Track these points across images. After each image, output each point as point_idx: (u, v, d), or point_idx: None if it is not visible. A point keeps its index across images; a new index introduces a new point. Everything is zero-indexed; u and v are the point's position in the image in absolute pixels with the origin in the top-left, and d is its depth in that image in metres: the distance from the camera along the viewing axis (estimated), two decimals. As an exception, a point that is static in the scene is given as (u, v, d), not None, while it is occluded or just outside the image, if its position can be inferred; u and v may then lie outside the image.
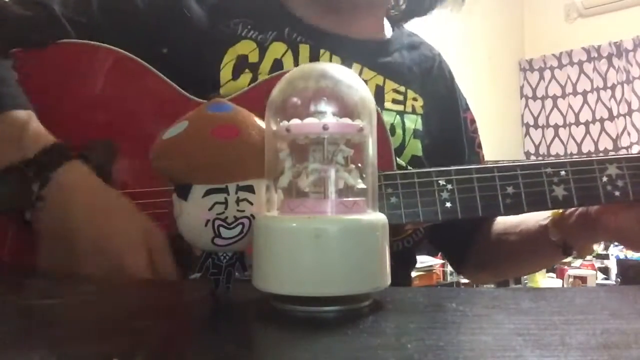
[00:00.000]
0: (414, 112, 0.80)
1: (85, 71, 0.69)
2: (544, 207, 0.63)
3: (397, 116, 0.78)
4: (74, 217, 0.55)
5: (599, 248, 3.65)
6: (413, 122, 0.79)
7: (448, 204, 0.61)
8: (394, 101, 0.79)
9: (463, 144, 0.87)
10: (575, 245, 0.72)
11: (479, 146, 0.90)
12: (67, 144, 0.58)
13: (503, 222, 0.84)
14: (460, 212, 0.61)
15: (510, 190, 0.62)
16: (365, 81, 0.77)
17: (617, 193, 0.62)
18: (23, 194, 0.54)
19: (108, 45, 0.68)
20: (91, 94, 0.68)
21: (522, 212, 0.62)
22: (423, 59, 0.88)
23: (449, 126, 0.86)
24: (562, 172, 0.62)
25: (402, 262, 0.77)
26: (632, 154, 0.65)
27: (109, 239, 0.54)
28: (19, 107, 0.59)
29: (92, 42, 0.68)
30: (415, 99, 0.81)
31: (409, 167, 0.74)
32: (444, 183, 0.62)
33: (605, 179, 0.62)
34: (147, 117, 0.67)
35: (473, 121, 0.91)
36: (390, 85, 0.80)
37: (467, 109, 0.91)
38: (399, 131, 0.77)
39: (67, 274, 0.55)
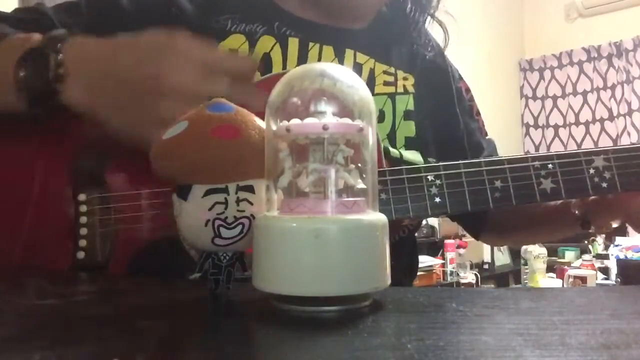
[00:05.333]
0: (405, 92, 0.80)
1: None
2: (533, 200, 0.64)
3: (388, 99, 0.78)
4: (106, 44, 0.58)
5: (599, 248, 3.67)
6: (404, 103, 0.79)
7: (437, 199, 0.62)
8: (385, 83, 0.79)
9: (457, 115, 0.87)
10: (594, 221, 0.74)
11: (478, 113, 0.91)
12: None
13: None
14: (450, 206, 0.62)
15: (498, 184, 0.63)
16: (360, 65, 0.78)
17: (604, 184, 0.63)
18: (46, 66, 0.56)
19: None
20: None
21: (511, 205, 0.63)
22: (411, 36, 0.88)
23: (440, 99, 0.86)
24: (550, 165, 0.63)
25: (397, 254, 0.78)
26: (618, 146, 0.66)
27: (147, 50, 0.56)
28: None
29: None
30: (405, 78, 0.81)
31: (403, 155, 0.74)
32: (433, 178, 0.62)
33: (592, 170, 0.63)
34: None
35: (468, 90, 0.91)
36: (380, 67, 0.80)
37: (460, 78, 0.91)
38: (388, 117, 0.77)
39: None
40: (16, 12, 0.73)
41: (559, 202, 0.77)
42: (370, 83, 0.78)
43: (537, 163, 0.63)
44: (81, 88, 0.57)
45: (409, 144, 0.77)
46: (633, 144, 0.68)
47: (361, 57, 0.79)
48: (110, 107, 0.56)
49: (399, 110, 0.78)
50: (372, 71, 0.79)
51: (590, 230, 0.76)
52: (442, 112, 0.85)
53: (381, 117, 0.77)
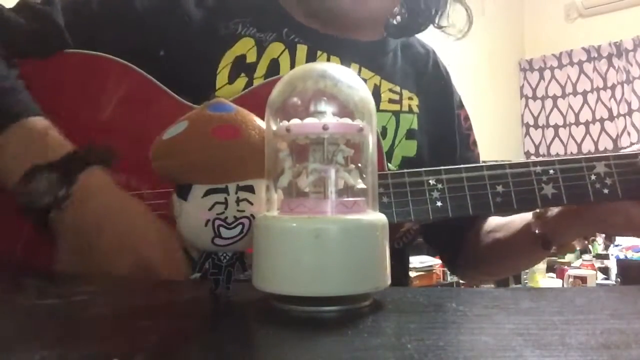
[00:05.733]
0: (410, 111, 0.80)
1: (84, 81, 0.69)
2: (534, 205, 0.64)
3: (392, 117, 0.78)
4: (96, 216, 0.56)
5: (599, 248, 3.67)
6: (409, 122, 0.79)
7: (439, 203, 0.62)
8: (390, 101, 0.79)
9: (455, 142, 0.86)
10: (555, 240, 0.73)
11: (474, 144, 0.90)
12: (86, 150, 0.59)
13: (494, 220, 0.85)
14: (451, 211, 0.62)
15: (500, 189, 0.62)
16: (365, 80, 0.78)
17: (605, 191, 0.63)
18: (49, 193, 0.55)
19: (106, 55, 0.68)
20: (89, 103, 0.68)
21: (512, 210, 0.63)
22: (418, 57, 0.88)
23: (442, 124, 0.86)
24: (551, 171, 0.63)
25: (395, 263, 0.77)
26: (620, 152, 0.66)
27: (128, 236, 0.56)
28: (36, 115, 0.60)
29: (90, 52, 0.68)
30: (410, 98, 0.81)
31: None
32: (434, 183, 0.62)
33: (593, 177, 0.63)
34: (146, 125, 0.67)
35: (467, 118, 0.90)
36: (386, 85, 0.80)
37: (462, 106, 0.91)
38: (390, 134, 0.77)
39: (86, 273, 0.56)
40: (20, 10, 0.71)
41: (522, 224, 0.76)
42: (376, 99, 0.77)
43: (538, 168, 0.63)
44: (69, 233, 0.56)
45: (405, 164, 0.77)
46: (633, 143, 0.67)
47: (366, 73, 0.79)
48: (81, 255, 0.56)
49: (402, 128, 0.78)
50: (377, 87, 0.79)
51: (552, 250, 0.73)
52: (443, 136, 0.85)
53: (383, 134, 0.77)
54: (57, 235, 0.56)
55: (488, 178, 0.63)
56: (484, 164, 0.65)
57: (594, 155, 0.65)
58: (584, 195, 0.63)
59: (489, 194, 0.62)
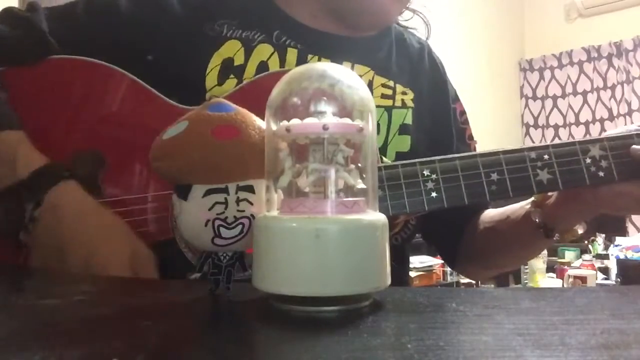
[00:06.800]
0: (403, 106, 0.80)
1: (71, 86, 0.69)
2: (530, 191, 0.63)
3: (384, 112, 0.78)
4: (64, 236, 0.56)
5: (599, 248, 3.67)
6: (401, 117, 0.79)
7: (434, 194, 0.61)
8: (383, 96, 0.78)
9: (451, 135, 0.86)
10: (557, 227, 0.72)
11: (470, 137, 0.89)
12: (59, 164, 0.60)
13: (492, 213, 0.84)
14: (446, 201, 0.62)
15: (494, 176, 0.62)
16: (359, 77, 0.77)
17: (601, 174, 0.62)
18: (17, 215, 0.56)
19: (93, 59, 0.68)
20: (78, 108, 0.68)
21: (508, 197, 0.62)
22: (412, 50, 0.88)
23: (437, 118, 0.85)
24: (546, 156, 0.63)
25: (395, 263, 0.77)
26: (614, 135, 0.65)
27: (96, 257, 0.56)
28: (11, 127, 0.61)
29: (77, 57, 0.68)
30: (404, 93, 0.81)
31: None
32: (429, 173, 0.62)
33: (588, 160, 0.63)
34: (135, 129, 0.66)
35: (463, 112, 0.90)
36: (379, 80, 0.79)
37: (457, 99, 0.90)
38: (382, 130, 0.77)
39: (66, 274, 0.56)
40: (2, 19, 0.71)
41: (521, 214, 0.75)
42: None
43: (533, 154, 0.63)
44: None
45: (399, 160, 0.77)
46: (629, 131, 0.66)
47: (359, 70, 0.78)
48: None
49: (395, 123, 0.78)
50: (370, 83, 0.78)
51: (555, 238, 0.72)
52: (438, 130, 0.84)
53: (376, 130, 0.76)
54: (28, 252, 0.58)
55: (482, 166, 0.62)
56: (477, 152, 0.64)
57: (588, 139, 0.64)
58: (580, 180, 0.63)
59: (484, 182, 0.62)
